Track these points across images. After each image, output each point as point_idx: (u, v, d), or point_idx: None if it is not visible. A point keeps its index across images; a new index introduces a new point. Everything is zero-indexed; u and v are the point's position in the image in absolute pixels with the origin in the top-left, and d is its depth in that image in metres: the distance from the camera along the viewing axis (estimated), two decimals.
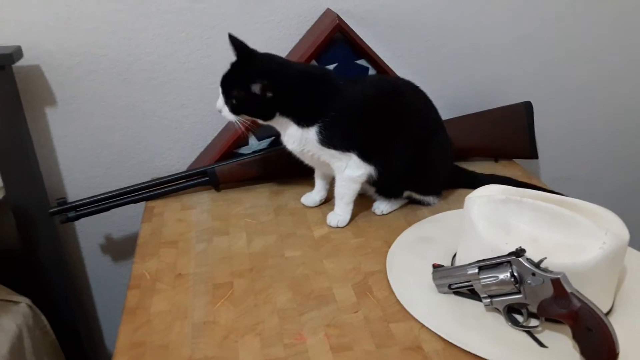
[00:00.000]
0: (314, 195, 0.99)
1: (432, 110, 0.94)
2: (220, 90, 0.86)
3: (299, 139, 0.87)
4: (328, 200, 0.99)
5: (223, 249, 0.88)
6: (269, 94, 0.82)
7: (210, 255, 0.87)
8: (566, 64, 1.22)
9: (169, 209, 1.01)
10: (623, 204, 0.73)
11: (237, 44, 0.84)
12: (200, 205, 1.02)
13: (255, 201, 1.02)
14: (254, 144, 1.07)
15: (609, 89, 1.26)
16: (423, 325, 0.70)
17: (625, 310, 0.69)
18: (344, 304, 0.75)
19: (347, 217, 0.92)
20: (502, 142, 1.14)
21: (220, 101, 0.86)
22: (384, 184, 0.92)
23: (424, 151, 0.91)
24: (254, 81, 0.81)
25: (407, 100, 0.92)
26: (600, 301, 0.63)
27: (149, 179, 1.05)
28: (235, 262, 0.84)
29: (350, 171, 0.88)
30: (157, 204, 1.03)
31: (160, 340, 0.70)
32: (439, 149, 0.94)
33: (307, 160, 0.92)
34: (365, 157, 0.87)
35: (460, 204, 0.95)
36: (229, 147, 1.05)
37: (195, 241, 0.91)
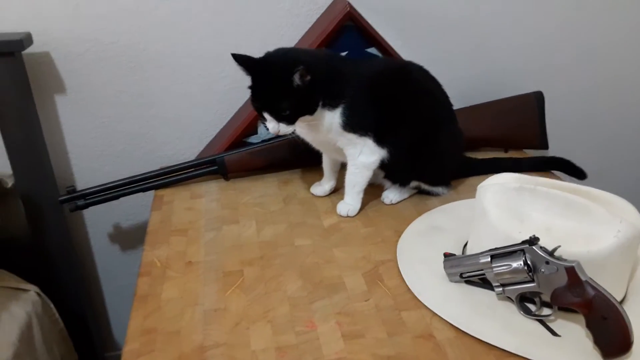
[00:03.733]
0: (323, 185, 0.99)
1: (442, 95, 0.93)
2: (265, 114, 0.82)
3: (326, 127, 0.85)
4: (337, 190, 0.99)
5: (233, 238, 0.88)
6: (308, 78, 0.80)
7: (220, 243, 0.87)
8: (578, 55, 1.21)
9: (178, 198, 1.01)
10: (634, 196, 0.73)
11: (246, 60, 0.82)
12: (209, 194, 1.01)
13: (264, 190, 1.02)
14: (263, 133, 1.06)
15: (621, 81, 1.25)
16: (435, 314, 0.69)
17: (638, 299, 0.69)
18: (355, 292, 0.74)
19: (358, 206, 0.92)
20: (513, 132, 1.13)
21: (273, 124, 0.82)
22: (394, 169, 0.91)
23: (434, 137, 0.90)
24: (291, 73, 0.78)
25: (418, 81, 0.91)
26: (613, 290, 0.62)
27: (157, 168, 1.05)
28: (245, 251, 0.84)
29: (364, 157, 0.88)
30: (166, 193, 1.03)
31: (171, 327, 0.70)
32: (449, 136, 0.93)
33: (322, 147, 0.92)
34: (379, 140, 0.87)
35: (470, 194, 0.95)
36: (237, 136, 1.05)
37: (204, 229, 0.91)
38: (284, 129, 0.82)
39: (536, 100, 1.12)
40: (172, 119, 1.14)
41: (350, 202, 0.92)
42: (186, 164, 1.04)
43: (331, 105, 0.84)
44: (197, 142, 1.16)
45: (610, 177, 1.34)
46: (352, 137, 0.86)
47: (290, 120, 0.82)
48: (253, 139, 1.06)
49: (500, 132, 1.14)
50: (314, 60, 0.82)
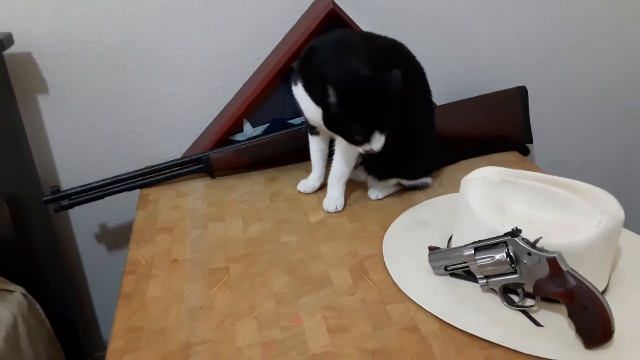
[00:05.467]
0: (312, 181, 0.99)
1: (421, 74, 0.93)
2: (378, 135, 0.79)
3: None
4: (324, 187, 0.99)
5: (219, 235, 0.88)
6: (334, 99, 0.78)
7: (205, 241, 0.86)
8: (561, 50, 1.22)
9: (164, 197, 1.00)
10: (616, 189, 0.74)
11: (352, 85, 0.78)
12: (195, 193, 1.01)
13: (250, 188, 1.02)
14: (249, 130, 1.06)
15: (603, 76, 1.26)
16: (419, 307, 0.70)
17: (620, 289, 0.70)
18: (341, 287, 0.75)
19: (343, 199, 0.92)
20: (497, 128, 1.14)
21: (382, 141, 0.80)
22: (375, 159, 0.90)
23: (410, 126, 0.90)
24: (325, 93, 0.76)
25: (402, 59, 0.91)
26: (595, 280, 0.63)
27: (143, 167, 1.04)
28: (231, 248, 0.84)
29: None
30: (151, 192, 1.02)
31: (156, 325, 0.70)
32: (423, 126, 0.94)
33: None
34: None
35: (455, 188, 0.95)
36: (223, 134, 1.05)
37: (190, 227, 0.90)
38: (383, 142, 0.80)
39: (520, 95, 1.13)
40: (157, 117, 1.13)
41: (337, 196, 0.92)
42: (172, 163, 1.04)
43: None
44: (183, 141, 1.15)
45: (592, 170, 1.35)
46: None
47: (386, 132, 0.80)
48: (239, 137, 1.06)
49: (485, 127, 1.14)
50: (332, 56, 0.81)
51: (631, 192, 1.36)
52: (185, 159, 1.04)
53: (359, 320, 0.68)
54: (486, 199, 0.72)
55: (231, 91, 1.12)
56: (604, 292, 0.69)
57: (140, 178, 1.03)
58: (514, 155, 1.11)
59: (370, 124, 0.79)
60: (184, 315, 0.71)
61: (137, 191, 1.03)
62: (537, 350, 0.61)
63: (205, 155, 1.03)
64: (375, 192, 0.95)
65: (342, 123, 0.81)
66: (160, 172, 1.04)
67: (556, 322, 0.65)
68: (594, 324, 0.60)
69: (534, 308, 0.67)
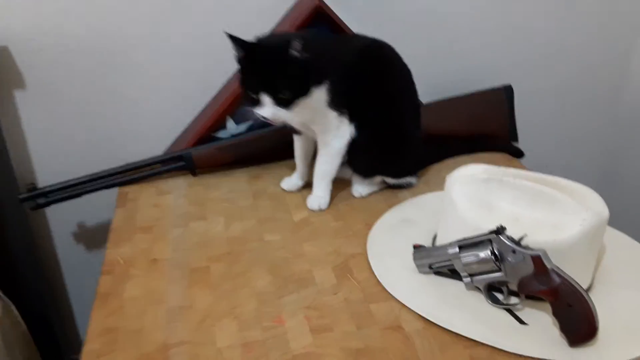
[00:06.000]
0: (295, 179, 0.97)
1: (408, 78, 0.93)
2: (263, 97, 0.78)
3: (310, 106, 0.83)
4: (308, 185, 0.97)
5: (200, 234, 0.86)
6: (306, 55, 0.77)
7: (186, 240, 0.84)
8: (547, 49, 1.22)
9: (144, 195, 0.98)
10: (601, 188, 0.74)
11: (242, 40, 0.79)
12: (177, 190, 0.99)
13: (233, 186, 1.00)
14: (232, 127, 1.04)
15: (590, 77, 1.27)
16: (404, 305, 0.69)
17: (604, 288, 0.69)
18: (324, 286, 0.73)
19: (328, 198, 0.91)
20: (483, 126, 1.14)
21: (271, 108, 0.79)
22: (359, 154, 0.90)
23: (398, 119, 0.90)
24: (290, 46, 0.75)
25: (391, 61, 0.91)
26: (580, 278, 0.63)
27: (122, 164, 1.02)
28: (213, 247, 0.82)
29: (337, 142, 0.87)
30: (131, 190, 1.00)
31: (133, 326, 0.68)
32: (412, 120, 0.93)
33: (301, 127, 0.90)
34: (351, 119, 0.87)
35: (441, 187, 0.95)
36: (206, 131, 1.03)
37: (171, 226, 0.88)
38: (283, 113, 0.79)
39: (506, 94, 1.12)
40: (138, 114, 1.10)
41: (321, 195, 0.91)
42: (152, 160, 1.01)
43: (318, 82, 0.82)
44: (165, 138, 1.13)
45: (577, 170, 1.36)
46: (333, 116, 0.85)
47: (290, 104, 0.79)
48: (222, 134, 1.04)
49: (471, 126, 1.14)
50: (305, 39, 0.80)
51: (616, 191, 1.36)
52: (167, 156, 1.02)
53: (342, 320, 0.67)
54: (472, 196, 0.71)
55: (214, 88, 1.10)
56: (588, 290, 0.69)
57: (120, 175, 1.01)
58: (500, 155, 1.10)
59: (258, 85, 0.78)
60: (162, 316, 0.69)
61: (116, 189, 1.01)
62: (522, 349, 0.61)
63: (187, 152, 1.01)
64: (359, 190, 0.94)
65: (241, 80, 0.81)
66: (140, 170, 1.01)
67: (541, 321, 0.65)
68: (578, 322, 0.59)
69: (519, 306, 0.66)
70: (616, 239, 0.79)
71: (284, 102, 0.79)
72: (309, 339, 0.64)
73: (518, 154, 1.13)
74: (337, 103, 0.85)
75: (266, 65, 0.78)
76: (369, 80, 0.87)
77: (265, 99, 0.79)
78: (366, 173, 0.93)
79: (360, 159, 0.92)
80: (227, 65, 1.09)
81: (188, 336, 0.65)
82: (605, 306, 0.63)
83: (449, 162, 1.06)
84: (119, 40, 1.04)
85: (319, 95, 0.83)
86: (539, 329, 0.64)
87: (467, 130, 1.14)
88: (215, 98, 1.09)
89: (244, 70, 0.81)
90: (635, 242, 0.79)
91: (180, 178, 1.03)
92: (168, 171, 1.02)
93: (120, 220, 0.91)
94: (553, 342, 0.62)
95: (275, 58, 0.78)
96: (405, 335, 0.64)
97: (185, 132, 1.11)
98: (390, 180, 0.95)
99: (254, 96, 0.79)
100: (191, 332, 0.66)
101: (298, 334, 0.65)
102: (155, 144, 1.13)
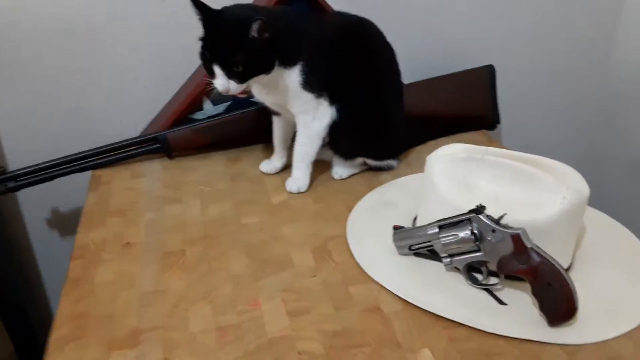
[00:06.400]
0: (274, 162, 0.95)
1: (392, 57, 0.90)
2: (216, 68, 0.76)
3: (284, 87, 0.81)
4: (287, 167, 0.95)
5: (175, 217, 0.83)
6: (266, 35, 0.75)
7: (161, 223, 0.82)
8: (530, 29, 1.21)
9: (118, 178, 0.95)
10: (583, 168, 0.74)
11: (204, 7, 0.76)
12: (152, 174, 0.96)
13: (210, 169, 0.97)
14: (209, 109, 1.01)
15: (572, 56, 1.26)
16: (383, 287, 0.67)
17: (584, 267, 0.69)
18: (302, 268, 0.72)
19: (307, 180, 0.89)
20: (464, 107, 1.12)
21: (222, 79, 0.76)
22: (341, 136, 0.88)
23: (381, 100, 0.88)
24: (249, 25, 0.73)
25: (373, 39, 0.88)
26: (559, 257, 0.62)
27: (96, 147, 0.98)
28: (188, 230, 0.80)
29: (317, 124, 0.85)
30: (104, 173, 0.97)
31: (104, 311, 0.65)
32: (395, 101, 0.91)
33: (278, 109, 0.88)
34: (331, 100, 0.85)
35: (422, 168, 0.93)
36: (182, 112, 0.99)
37: (145, 210, 0.86)
38: (234, 87, 0.77)
39: (488, 74, 1.11)
40: (112, 95, 1.07)
41: (300, 177, 0.89)
42: (126, 142, 0.98)
43: (289, 63, 0.80)
44: (140, 119, 1.09)
45: (560, 150, 1.36)
46: (309, 98, 0.83)
47: (242, 78, 0.77)
48: (198, 115, 1.01)
49: (452, 106, 1.12)
50: (273, 17, 0.78)
51: (597, 171, 1.37)
52: (141, 138, 0.99)
53: (320, 302, 0.66)
54: (452, 176, 0.70)
55: (191, 67, 1.06)
56: (568, 269, 0.68)
57: (93, 158, 0.97)
58: (481, 135, 1.09)
59: (213, 55, 0.75)
60: (134, 300, 0.67)
61: (89, 172, 0.97)
62: (501, 329, 0.60)
63: (162, 134, 0.98)
64: (339, 172, 0.92)
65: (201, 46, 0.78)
66: (114, 152, 0.98)
67: (520, 300, 0.64)
68: (557, 302, 0.59)
69: (498, 286, 0.65)
70: (596, 218, 0.79)
71: (237, 75, 0.76)
72: (286, 322, 0.63)
73: (490, 126, 1.12)
74: (314, 84, 0.82)
75: (223, 37, 0.76)
76: (351, 60, 0.85)
77: (218, 70, 0.76)
78: (347, 155, 0.91)
79: (341, 141, 0.90)
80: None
81: (161, 321, 0.64)
82: (584, 285, 0.62)
83: (431, 144, 1.05)
84: (91, 18, 1.00)
85: (291, 76, 0.80)
86: (518, 309, 0.63)
87: (449, 111, 1.12)
88: (192, 78, 1.06)
89: (203, 37, 0.77)
90: (615, 222, 0.79)
91: (155, 161, 1.00)
92: (143, 154, 0.99)
93: (92, 204, 0.88)
94: (532, 321, 0.61)
95: (233, 32, 0.75)
96: (384, 316, 0.63)
97: (161, 113, 1.08)
98: (371, 162, 0.93)
99: (208, 65, 0.77)
100: (164, 317, 0.64)
101: (274, 317, 0.63)
102: (129, 125, 1.09)
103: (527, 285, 0.62)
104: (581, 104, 1.32)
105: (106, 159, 0.98)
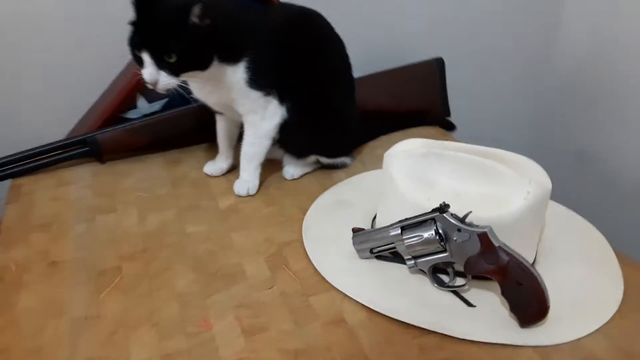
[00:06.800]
0: (220, 163, 0.88)
1: (341, 49, 0.85)
2: (144, 56, 0.68)
3: (227, 85, 0.75)
4: (234, 168, 0.88)
5: (109, 229, 0.75)
6: (207, 21, 0.67)
7: (93, 237, 0.73)
8: (474, 21, 1.20)
9: (41, 187, 0.84)
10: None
11: None
12: (81, 181, 0.86)
13: (148, 173, 0.89)
14: (144, 107, 0.93)
15: (518, 48, 1.27)
16: (345, 295, 0.63)
17: (547, 261, 0.67)
18: (256, 280, 0.65)
19: (257, 182, 0.83)
20: (414, 100, 1.10)
21: (152, 69, 0.67)
22: (291, 135, 0.82)
23: (332, 95, 0.83)
24: (190, 7, 0.65)
25: (321, 30, 0.83)
26: (525, 253, 0.60)
27: (15, 152, 0.87)
28: (125, 244, 0.72)
29: (266, 123, 0.79)
30: (25, 181, 0.86)
31: (30, 344, 0.57)
32: (347, 96, 0.87)
33: (222, 109, 0.82)
34: (280, 98, 0.79)
35: (376, 165, 0.90)
36: (113, 111, 0.90)
37: (74, 222, 0.76)
38: (164, 79, 0.68)
39: (437, 67, 1.09)
40: (33, 93, 0.96)
41: (248, 179, 0.82)
42: (51, 146, 0.88)
43: (233, 59, 0.73)
44: (65, 120, 0.98)
45: (506, 141, 1.36)
46: (257, 96, 0.76)
47: (175, 70, 0.68)
48: (132, 114, 0.92)
49: (402, 100, 1.09)
50: (215, 4, 0.70)
51: (543, 162, 1.39)
52: (68, 141, 0.89)
53: (279, 317, 0.60)
54: (411, 173, 0.66)
55: (122, 61, 0.97)
56: (532, 265, 0.66)
57: (12, 166, 0.86)
58: (434, 130, 1.07)
59: (142, 41, 0.67)
60: (64, 329, 0.58)
61: (7, 182, 0.86)
62: (472, 334, 0.57)
63: (91, 136, 0.88)
64: (291, 171, 0.87)
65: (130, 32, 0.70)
66: (37, 158, 0.88)
67: (488, 301, 0.61)
68: (529, 301, 0.56)
69: (465, 287, 0.62)
70: (552, 209, 0.78)
71: (169, 66, 0.68)
72: (242, 343, 0.56)
73: (450, 127, 1.10)
74: (261, 82, 0.76)
75: (157, 21, 0.67)
76: (300, 54, 0.79)
77: (147, 58, 0.67)
78: (299, 153, 0.86)
79: (293, 139, 0.84)
80: None
81: (97, 351, 0.56)
82: (551, 281, 0.60)
83: (383, 139, 1.01)
84: (9, 7, 0.88)
85: (236, 73, 0.74)
86: (487, 311, 0.60)
87: (399, 105, 1.09)
88: (124, 72, 0.96)
89: (134, 21, 0.68)
90: (572, 212, 0.79)
91: (84, 166, 0.90)
92: (70, 159, 0.89)
93: (12, 218, 0.78)
94: (503, 323, 0.58)
95: (170, 16, 0.67)
96: (349, 329, 0.58)
97: (90, 112, 0.98)
98: (324, 160, 0.88)
99: (137, 53, 0.68)
100: (101, 347, 0.56)
101: (228, 338, 0.57)
102: (54, 127, 0.98)
103: (495, 285, 0.60)
104: (527, 95, 1.34)
105: (27, 166, 0.87)
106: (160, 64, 0.67)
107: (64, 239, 0.73)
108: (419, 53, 1.13)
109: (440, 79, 1.10)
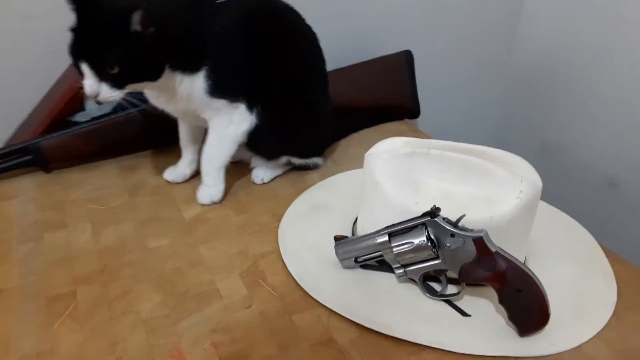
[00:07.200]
0: (182, 168, 0.80)
1: (313, 40, 0.80)
2: (83, 67, 0.61)
3: (186, 95, 0.68)
4: (198, 174, 0.81)
5: (59, 248, 0.66)
6: (152, 29, 0.60)
7: (41, 258, 0.64)
8: (441, 13, 1.17)
9: None
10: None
11: None
12: (24, 193, 0.77)
13: (101, 182, 0.80)
14: (93, 109, 0.84)
15: (481, 41, 1.25)
16: (332, 312, 0.57)
17: (538, 262, 0.65)
18: (232, 299, 0.59)
19: (222, 187, 0.76)
20: (384, 95, 1.06)
21: (92, 81, 0.61)
22: (261, 138, 0.76)
23: (305, 92, 0.78)
24: (130, 14, 0.58)
25: (290, 23, 0.76)
26: (516, 255, 0.56)
27: None
28: (78, 264, 0.64)
29: (234, 128, 0.72)
30: None
31: None
32: (320, 92, 0.81)
33: (184, 117, 0.75)
34: (249, 103, 0.72)
35: (351, 165, 0.85)
36: (58, 114, 0.81)
37: (17, 241, 0.67)
38: (106, 92, 0.61)
39: (406, 60, 1.05)
40: None
41: (212, 184, 0.75)
42: None
43: (190, 68, 0.66)
44: (3, 126, 0.88)
45: (472, 134, 1.36)
46: (221, 104, 0.70)
47: (118, 82, 0.61)
48: (80, 117, 0.83)
49: (371, 95, 1.05)
50: (163, 7, 0.64)
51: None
52: (6, 150, 0.79)
53: (261, 341, 0.54)
54: (396, 174, 0.62)
55: (66, 58, 0.87)
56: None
57: None
58: (404, 125, 1.04)
59: (81, 50, 0.61)
60: None
61: None
62: (470, 347, 0.53)
63: (34, 142, 0.79)
64: (261, 175, 0.80)
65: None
66: None
67: (483, 309, 0.58)
68: (529, 309, 0.53)
69: (459, 296, 0.58)
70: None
71: (111, 78, 0.61)
72: None
73: (413, 114, 1.07)
74: (224, 90, 0.69)
75: (95, 29, 0.60)
76: (267, 52, 0.72)
77: (87, 69, 0.61)
78: (271, 155, 0.80)
79: (263, 141, 0.77)
80: None
81: None
82: (544, 283, 0.57)
83: (355, 137, 0.97)
84: None
85: (195, 83, 0.67)
86: (483, 320, 0.57)
87: (368, 100, 1.05)
88: (69, 70, 0.86)
89: (73, 27, 0.61)
90: (553, 208, 0.77)
91: (27, 177, 0.81)
92: (10, 169, 0.80)
93: None
94: (501, 333, 0.55)
95: (109, 23, 0.60)
96: (340, 350, 0.53)
97: (31, 116, 0.88)
98: (297, 161, 0.82)
99: (77, 62, 0.61)
100: None
101: None
102: None
103: (488, 291, 0.56)
104: (490, 88, 1.33)
105: None
106: (102, 75, 0.61)
107: (8, 262, 0.64)
108: (384, 46, 1.10)
109: (409, 72, 1.07)
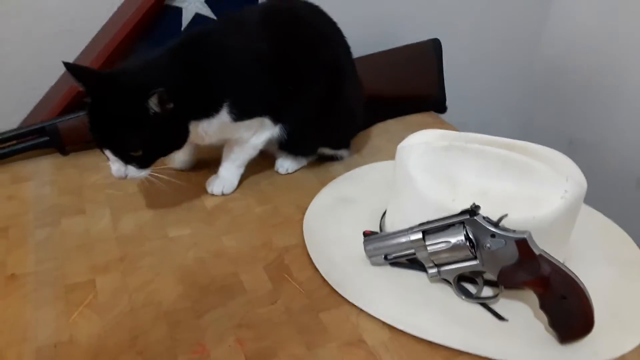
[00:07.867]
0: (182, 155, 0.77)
1: (339, 36, 0.77)
2: (108, 152, 0.60)
3: (212, 132, 0.66)
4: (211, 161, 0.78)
5: (77, 235, 0.64)
6: (170, 105, 0.58)
7: (58, 244, 0.62)
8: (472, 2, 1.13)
9: None
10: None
11: (84, 74, 0.59)
12: (40, 176, 0.75)
13: None
14: None
15: (510, 31, 1.21)
16: (361, 310, 0.55)
17: (576, 265, 0.60)
18: (257, 293, 0.57)
19: (235, 182, 0.74)
20: (409, 84, 1.02)
21: (118, 165, 0.60)
22: (294, 141, 0.74)
23: (338, 90, 0.74)
24: (147, 97, 0.56)
25: (312, 26, 0.73)
26: (557, 258, 0.53)
27: None
28: (97, 252, 0.61)
29: (256, 139, 0.71)
30: None
31: None
32: (352, 86, 0.78)
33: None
34: (276, 117, 0.70)
35: (375, 157, 0.83)
36: (75, 95, 0.79)
37: (34, 226, 0.65)
38: (134, 173, 0.60)
39: (434, 48, 1.01)
40: None
41: (226, 176, 0.73)
42: (3, 136, 0.76)
43: (213, 111, 0.64)
44: (18, 107, 0.85)
45: (498, 126, 1.32)
46: (248, 124, 0.68)
47: (144, 162, 0.60)
48: None
49: (396, 84, 1.02)
50: (177, 71, 0.61)
51: None
52: (23, 130, 0.77)
53: (287, 339, 0.52)
54: (431, 169, 0.59)
55: (83, 38, 0.84)
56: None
57: None
58: (430, 117, 1.00)
59: (102, 139, 0.60)
60: (28, 359, 0.48)
61: None
62: (509, 354, 0.51)
63: (51, 123, 0.77)
64: (285, 165, 0.78)
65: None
66: None
67: (520, 314, 0.55)
68: (573, 317, 0.50)
69: (496, 299, 0.56)
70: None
71: (136, 160, 0.60)
72: None
73: (440, 107, 1.03)
74: (251, 112, 0.68)
75: (111, 116, 0.58)
76: (292, 64, 0.69)
77: (110, 155, 0.60)
78: (304, 153, 0.78)
79: (296, 142, 0.75)
80: (99, 7, 0.84)
81: None
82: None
83: (380, 127, 0.94)
84: None
85: (220, 118, 0.65)
86: (521, 325, 0.54)
87: (393, 89, 1.02)
88: (87, 51, 0.84)
89: (89, 111, 0.59)
90: (588, 207, 0.73)
91: (44, 159, 0.79)
92: (26, 150, 0.78)
93: None
94: (540, 339, 0.52)
95: (125, 109, 0.57)
96: (370, 351, 0.51)
97: (48, 97, 0.85)
98: (328, 151, 0.80)
99: (99, 145, 0.60)
100: None
101: None
102: (5, 115, 0.85)
103: (525, 294, 0.54)
104: (518, 82, 1.29)
105: None
106: (127, 159, 0.59)
107: (24, 246, 0.62)
108: (412, 36, 1.06)
109: (437, 61, 1.03)
